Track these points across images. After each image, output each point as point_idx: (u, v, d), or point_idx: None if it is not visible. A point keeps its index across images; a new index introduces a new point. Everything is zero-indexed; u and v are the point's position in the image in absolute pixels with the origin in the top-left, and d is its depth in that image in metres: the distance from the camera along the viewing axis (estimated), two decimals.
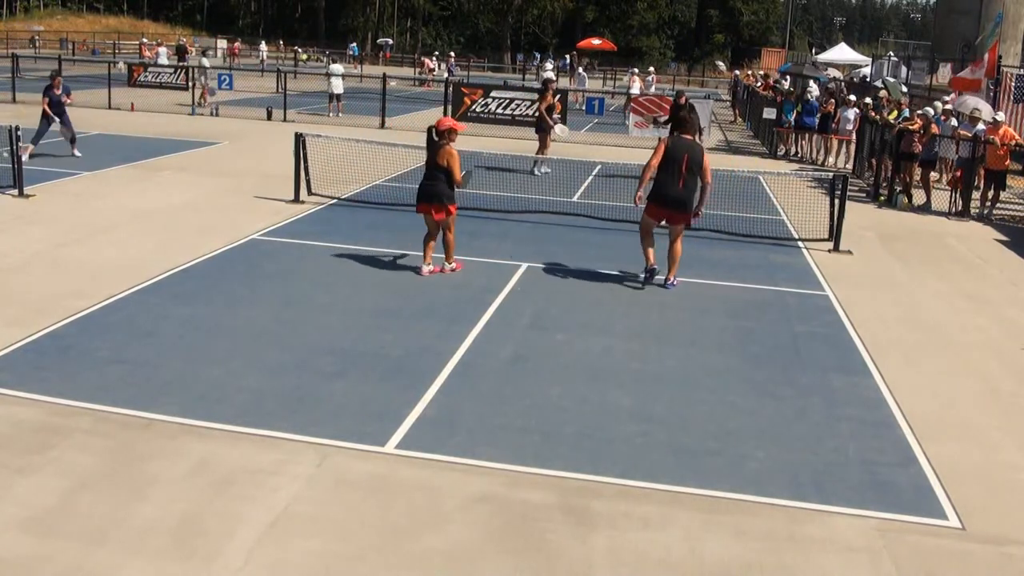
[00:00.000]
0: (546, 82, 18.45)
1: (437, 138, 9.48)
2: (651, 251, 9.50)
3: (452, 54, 50.64)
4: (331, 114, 25.86)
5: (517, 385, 6.79)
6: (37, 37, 60.16)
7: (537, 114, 17.96)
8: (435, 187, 9.40)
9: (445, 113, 24.11)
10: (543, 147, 17.16)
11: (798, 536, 4.93)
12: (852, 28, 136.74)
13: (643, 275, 9.59)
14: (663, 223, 9.50)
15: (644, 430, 6.12)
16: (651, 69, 37.60)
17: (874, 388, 7.14)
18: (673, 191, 9.20)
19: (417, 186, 9.65)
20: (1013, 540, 5.01)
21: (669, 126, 16.31)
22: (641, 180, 9.43)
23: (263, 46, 57.06)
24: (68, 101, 16.50)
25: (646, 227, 9.52)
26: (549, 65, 42.93)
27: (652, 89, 31.23)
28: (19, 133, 12.47)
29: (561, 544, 4.73)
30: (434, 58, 51.53)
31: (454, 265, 9.72)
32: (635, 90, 28.58)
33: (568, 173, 16.47)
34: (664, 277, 9.55)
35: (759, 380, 7.15)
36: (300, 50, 64.07)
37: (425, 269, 9.55)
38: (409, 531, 4.77)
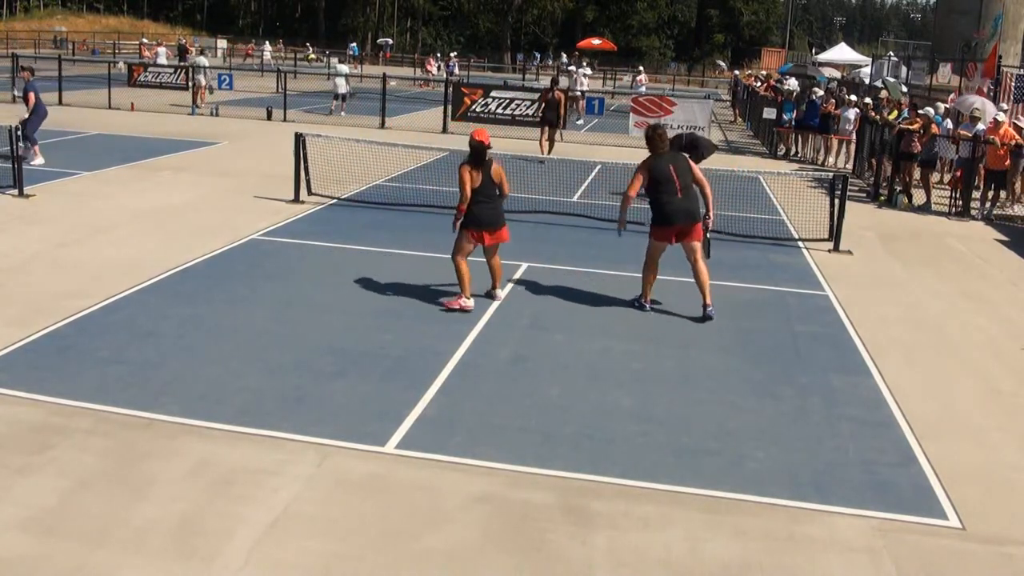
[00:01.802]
0: (554, 81, 20.36)
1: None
2: (651, 285, 8.83)
3: (452, 54, 50.58)
4: (339, 112, 26.15)
5: (517, 385, 6.79)
6: (60, 37, 59.32)
7: (542, 111, 19.63)
8: (500, 208, 8.49)
9: (446, 113, 24.13)
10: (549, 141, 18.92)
11: (798, 536, 4.93)
12: (852, 28, 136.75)
13: (635, 303, 8.90)
14: (675, 242, 8.64)
15: (644, 430, 6.12)
16: (640, 69, 37.63)
17: (874, 388, 7.14)
18: (675, 203, 8.43)
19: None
20: (1013, 540, 5.01)
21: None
22: (622, 207, 8.68)
23: (267, 46, 56.74)
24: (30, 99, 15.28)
25: (654, 254, 8.74)
26: (585, 69, 42.35)
27: (643, 89, 31.32)
28: (19, 133, 12.47)
29: (561, 544, 4.73)
30: (437, 57, 51.36)
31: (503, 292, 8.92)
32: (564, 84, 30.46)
33: (568, 173, 16.47)
34: (702, 303, 8.63)
35: (759, 380, 7.16)
36: (310, 48, 63.68)
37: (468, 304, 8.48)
38: (409, 531, 4.77)
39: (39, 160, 15.09)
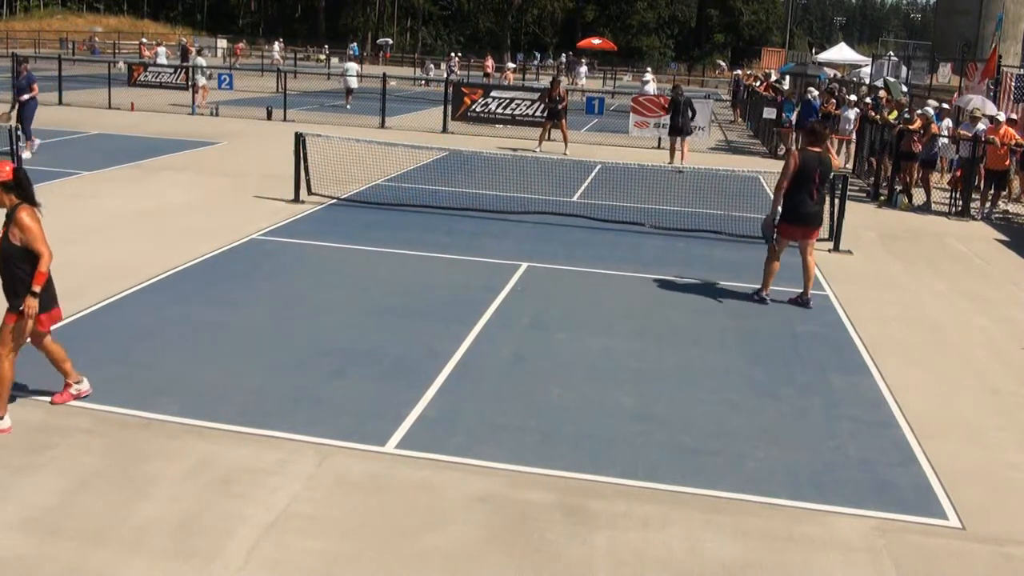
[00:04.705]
0: (554, 80, 21.88)
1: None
2: (772, 277, 9.22)
3: (455, 56, 50.53)
4: (348, 107, 28.55)
5: (517, 385, 6.79)
6: (95, 39, 58.54)
7: (548, 109, 20.96)
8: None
9: (445, 113, 24.12)
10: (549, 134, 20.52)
11: (798, 536, 4.93)
12: (852, 28, 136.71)
13: (755, 297, 9.31)
14: (794, 242, 9.25)
15: (644, 430, 6.12)
16: (648, 70, 38.02)
17: (874, 388, 7.14)
18: (809, 206, 9.02)
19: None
20: (1013, 540, 5.01)
21: (668, 125, 17.11)
22: (774, 203, 9.13)
23: (276, 46, 56.24)
24: (31, 94, 15.96)
25: (780, 249, 9.23)
26: (583, 70, 45.10)
27: (651, 88, 31.34)
28: (19, 133, 12.47)
29: (561, 544, 4.73)
30: (487, 58, 51.01)
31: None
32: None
33: (568, 173, 16.47)
34: (802, 295, 9.23)
35: (759, 380, 7.16)
36: (326, 47, 63.43)
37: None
38: (409, 531, 4.77)
39: (28, 153, 15.62)
